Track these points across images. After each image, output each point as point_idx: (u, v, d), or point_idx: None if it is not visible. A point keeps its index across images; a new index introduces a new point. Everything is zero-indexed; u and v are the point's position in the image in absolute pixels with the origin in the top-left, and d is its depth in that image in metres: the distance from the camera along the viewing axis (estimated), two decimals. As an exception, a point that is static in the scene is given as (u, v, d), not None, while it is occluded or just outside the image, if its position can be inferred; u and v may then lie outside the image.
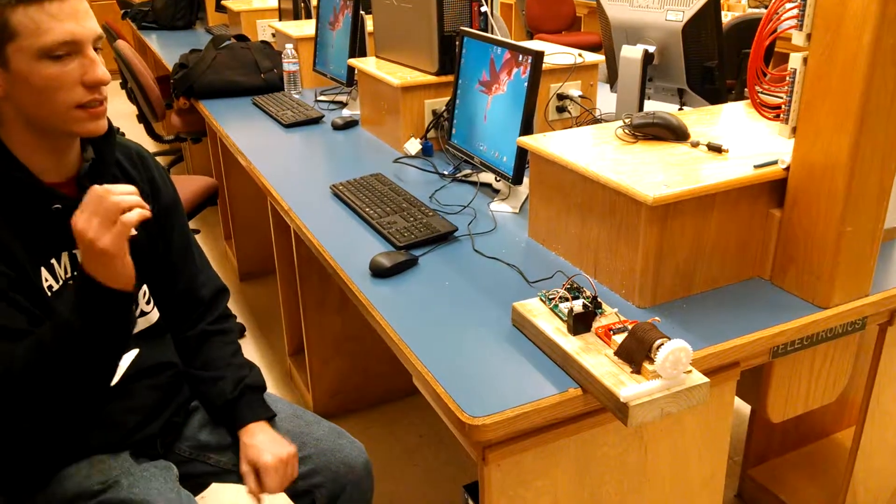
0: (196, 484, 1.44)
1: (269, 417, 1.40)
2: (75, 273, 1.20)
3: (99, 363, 1.14)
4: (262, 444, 1.34)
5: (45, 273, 1.16)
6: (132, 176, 1.33)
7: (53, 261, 1.18)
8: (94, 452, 1.26)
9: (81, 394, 1.15)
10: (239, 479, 1.40)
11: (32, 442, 1.22)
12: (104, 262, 1.05)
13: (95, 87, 1.12)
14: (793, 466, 2.02)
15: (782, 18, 1.29)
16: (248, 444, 1.35)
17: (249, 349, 1.50)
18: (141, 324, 1.32)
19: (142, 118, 3.65)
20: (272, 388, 1.46)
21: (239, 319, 1.45)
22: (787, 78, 1.28)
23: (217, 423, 1.42)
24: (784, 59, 1.30)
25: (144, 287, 1.34)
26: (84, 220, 1.03)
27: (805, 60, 1.25)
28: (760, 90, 1.42)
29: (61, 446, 1.24)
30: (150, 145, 4.05)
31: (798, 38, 1.24)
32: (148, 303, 1.35)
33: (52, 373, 1.08)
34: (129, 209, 1.05)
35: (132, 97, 3.69)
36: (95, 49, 1.13)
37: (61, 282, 1.19)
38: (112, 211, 1.03)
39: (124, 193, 1.06)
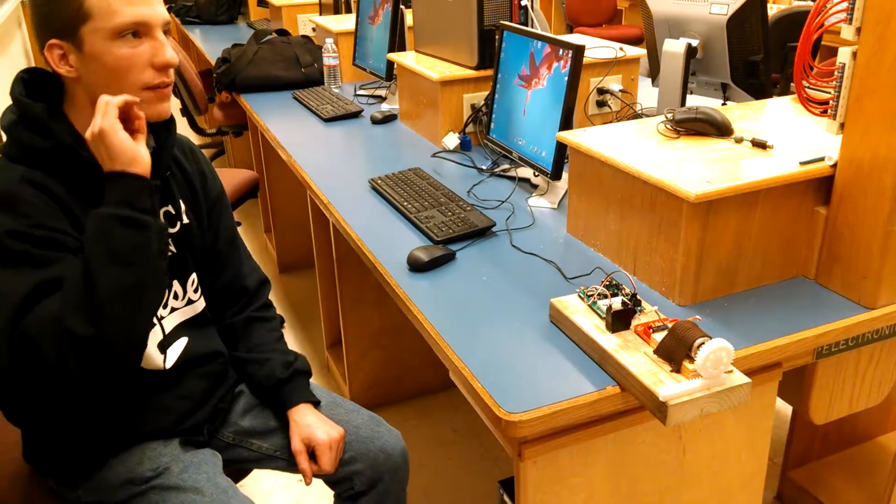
0: (237, 470, 1.47)
1: (316, 403, 1.43)
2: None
3: (143, 269, 1.08)
4: (315, 423, 1.37)
5: None
6: (185, 167, 1.36)
7: None
8: (146, 439, 1.29)
9: (142, 314, 1.10)
10: (279, 465, 1.42)
11: (91, 420, 1.23)
12: (103, 143, 1.08)
13: (164, 69, 1.16)
14: (835, 469, 1.98)
15: (831, 12, 1.26)
16: (301, 423, 1.37)
17: (287, 341, 1.53)
18: (188, 312, 1.35)
19: (185, 112, 3.72)
20: (310, 380, 1.51)
21: (278, 311, 1.50)
22: (836, 73, 1.25)
23: (265, 405, 1.45)
24: (831, 52, 1.28)
25: (193, 275, 1.36)
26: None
27: (854, 55, 1.22)
28: (807, 85, 1.39)
29: (115, 432, 1.27)
30: (192, 138, 4.12)
31: (847, 32, 1.22)
32: (196, 291, 1.37)
33: (109, 288, 1.04)
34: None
35: (176, 91, 3.76)
36: (165, 33, 1.17)
37: None
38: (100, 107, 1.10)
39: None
